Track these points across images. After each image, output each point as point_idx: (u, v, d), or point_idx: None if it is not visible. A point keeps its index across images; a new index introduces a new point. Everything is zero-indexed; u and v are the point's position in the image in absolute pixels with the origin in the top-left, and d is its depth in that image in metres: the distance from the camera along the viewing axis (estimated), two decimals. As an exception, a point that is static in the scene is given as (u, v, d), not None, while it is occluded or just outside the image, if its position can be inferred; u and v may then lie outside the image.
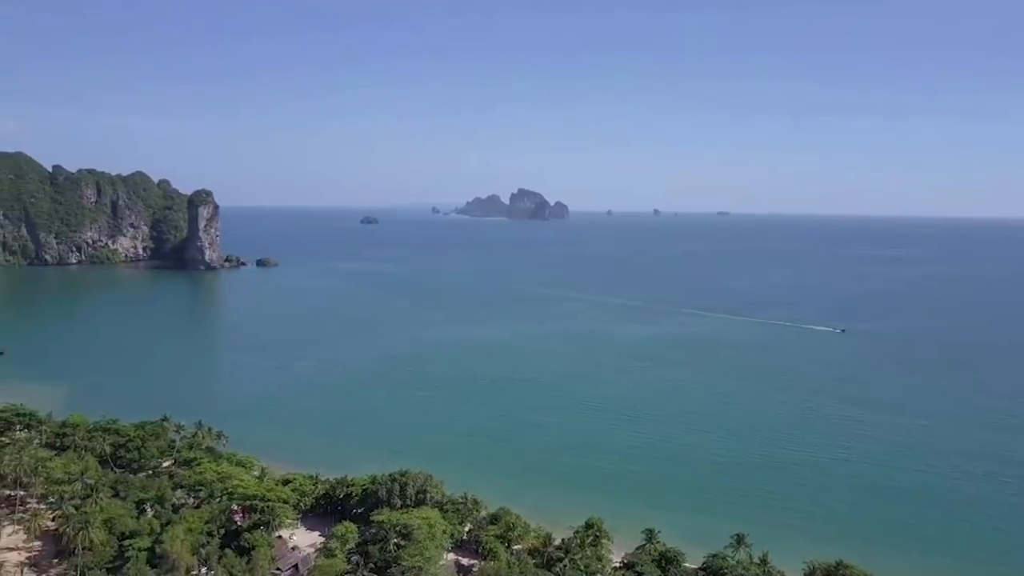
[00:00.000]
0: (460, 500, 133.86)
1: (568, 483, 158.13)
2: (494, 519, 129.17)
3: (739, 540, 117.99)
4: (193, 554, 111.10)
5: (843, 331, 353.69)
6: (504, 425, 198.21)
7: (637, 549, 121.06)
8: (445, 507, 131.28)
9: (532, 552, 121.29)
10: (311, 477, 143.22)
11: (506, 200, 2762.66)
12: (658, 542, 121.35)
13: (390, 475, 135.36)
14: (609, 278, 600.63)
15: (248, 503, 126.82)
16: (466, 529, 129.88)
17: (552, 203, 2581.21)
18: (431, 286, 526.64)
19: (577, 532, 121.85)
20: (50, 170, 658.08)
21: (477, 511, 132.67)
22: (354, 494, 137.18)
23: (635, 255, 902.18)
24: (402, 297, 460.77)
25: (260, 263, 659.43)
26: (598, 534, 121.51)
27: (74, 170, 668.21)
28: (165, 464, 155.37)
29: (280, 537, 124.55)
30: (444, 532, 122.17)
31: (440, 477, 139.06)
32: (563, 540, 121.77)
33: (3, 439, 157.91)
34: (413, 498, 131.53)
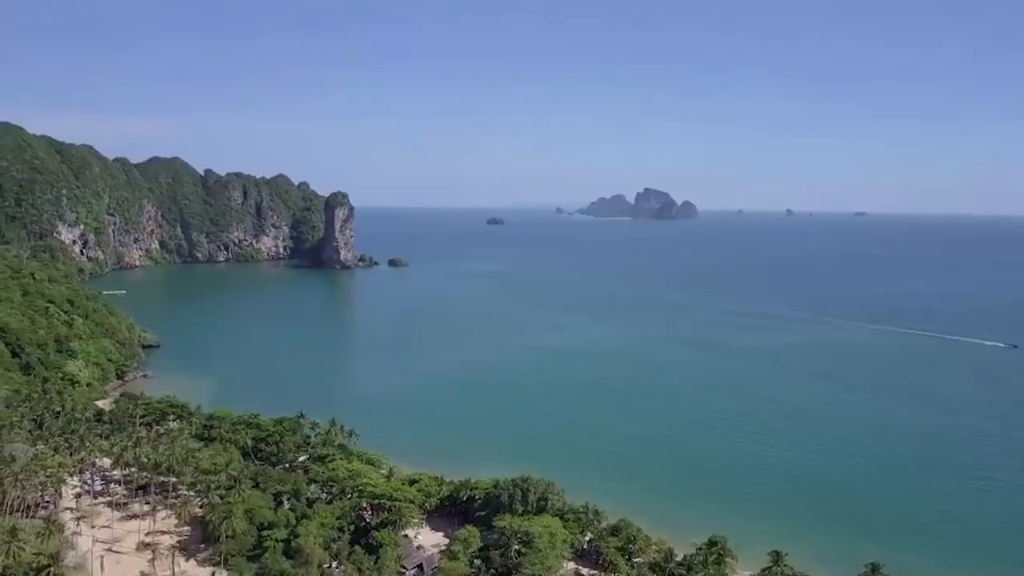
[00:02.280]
0: (581, 509, 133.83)
1: (691, 497, 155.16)
2: (615, 530, 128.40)
3: (873, 569, 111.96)
4: (325, 549, 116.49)
5: (1015, 347, 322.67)
6: (626, 434, 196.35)
7: (763, 571, 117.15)
8: (566, 515, 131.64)
9: (653, 567, 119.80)
10: (436, 478, 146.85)
11: (631, 200, 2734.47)
12: (785, 565, 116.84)
13: (512, 480, 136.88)
14: (739, 282, 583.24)
15: (377, 501, 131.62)
16: (587, 539, 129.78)
17: (679, 202, 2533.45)
18: (556, 288, 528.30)
19: (700, 549, 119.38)
20: (202, 174, 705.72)
21: (598, 521, 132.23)
22: (477, 497, 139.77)
23: (767, 257, 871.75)
24: (527, 299, 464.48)
25: (392, 263, 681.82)
26: (721, 552, 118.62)
27: (223, 174, 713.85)
28: (300, 459, 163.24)
29: (406, 536, 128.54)
30: (564, 541, 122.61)
31: (561, 484, 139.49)
32: (685, 556, 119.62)
33: (159, 429, 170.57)
34: (534, 505, 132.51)
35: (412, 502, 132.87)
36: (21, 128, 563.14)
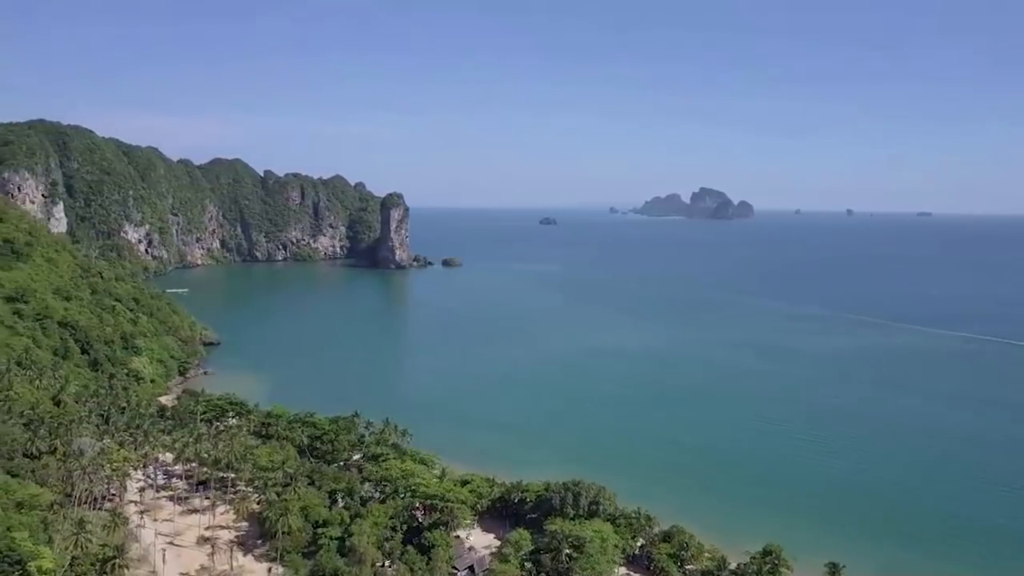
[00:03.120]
0: (633, 514, 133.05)
1: (745, 505, 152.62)
2: (667, 536, 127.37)
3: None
4: (378, 548, 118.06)
5: None
6: (678, 439, 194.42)
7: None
8: (617, 520, 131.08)
9: (705, 574, 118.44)
10: (488, 480, 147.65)
11: (687, 199, 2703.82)
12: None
13: (563, 484, 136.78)
14: (795, 284, 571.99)
15: (429, 502, 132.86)
16: (638, 544, 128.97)
17: (736, 202, 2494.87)
18: (609, 289, 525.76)
19: (754, 558, 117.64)
20: (261, 174, 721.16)
21: (650, 527, 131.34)
22: (528, 499, 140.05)
23: (826, 259, 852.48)
24: (579, 300, 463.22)
25: (445, 263, 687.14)
26: (776, 562, 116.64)
27: (282, 174, 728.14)
28: (355, 458, 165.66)
29: (458, 537, 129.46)
30: (616, 546, 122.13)
31: (612, 489, 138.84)
32: (739, 565, 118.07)
33: (218, 425, 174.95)
34: (586, 509, 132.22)
35: (464, 503, 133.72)
36: (91, 131, 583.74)
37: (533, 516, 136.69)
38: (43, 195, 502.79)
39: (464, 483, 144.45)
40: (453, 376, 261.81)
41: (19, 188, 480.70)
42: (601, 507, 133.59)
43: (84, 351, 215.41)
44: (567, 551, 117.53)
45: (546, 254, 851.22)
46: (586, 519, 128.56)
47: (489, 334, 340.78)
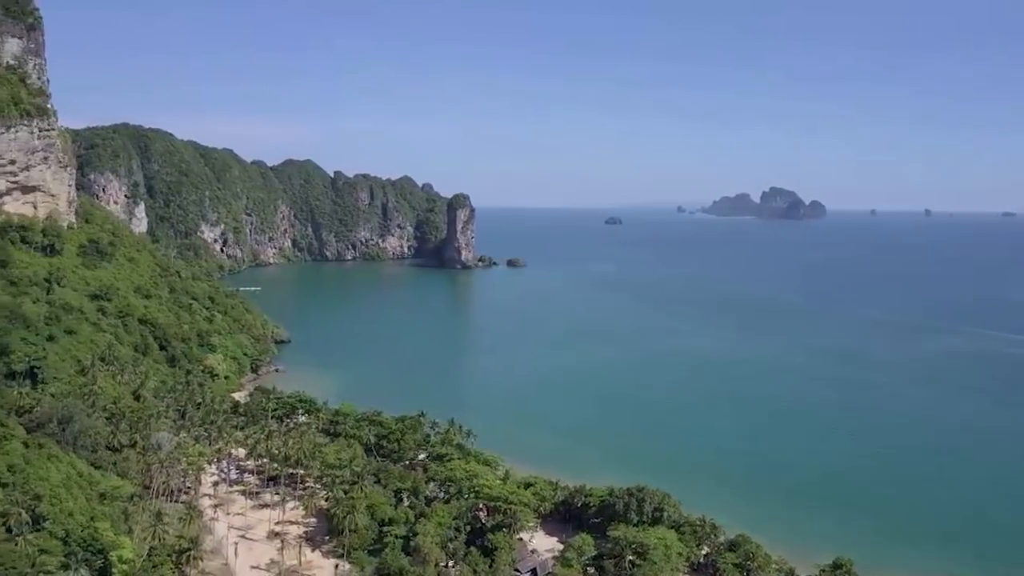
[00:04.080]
0: (698, 522, 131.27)
1: (816, 515, 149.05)
2: (733, 546, 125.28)
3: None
4: (441, 548, 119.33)
5: None
6: (746, 446, 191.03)
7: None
8: (682, 528, 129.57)
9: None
10: (551, 483, 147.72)
11: (756, 199, 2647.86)
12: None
13: (627, 489, 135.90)
14: (869, 287, 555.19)
15: (493, 503, 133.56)
16: (703, 553, 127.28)
17: (807, 202, 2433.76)
18: (674, 290, 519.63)
19: (823, 571, 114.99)
20: (332, 175, 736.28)
21: (715, 535, 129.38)
22: (591, 504, 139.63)
23: (901, 260, 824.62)
24: (644, 301, 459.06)
25: (510, 263, 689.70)
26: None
27: (351, 175, 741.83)
28: (420, 457, 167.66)
29: (521, 540, 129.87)
30: (680, 554, 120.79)
31: (677, 496, 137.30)
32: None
33: (288, 422, 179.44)
34: (650, 515, 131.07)
35: (527, 506, 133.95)
36: (171, 134, 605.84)
37: (596, 521, 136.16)
38: (126, 196, 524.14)
39: (527, 485, 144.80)
40: (517, 377, 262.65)
41: (104, 189, 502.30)
42: (665, 514, 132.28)
43: (162, 348, 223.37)
44: (630, 557, 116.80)
45: (611, 254, 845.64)
46: (650, 526, 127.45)
47: (553, 335, 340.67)
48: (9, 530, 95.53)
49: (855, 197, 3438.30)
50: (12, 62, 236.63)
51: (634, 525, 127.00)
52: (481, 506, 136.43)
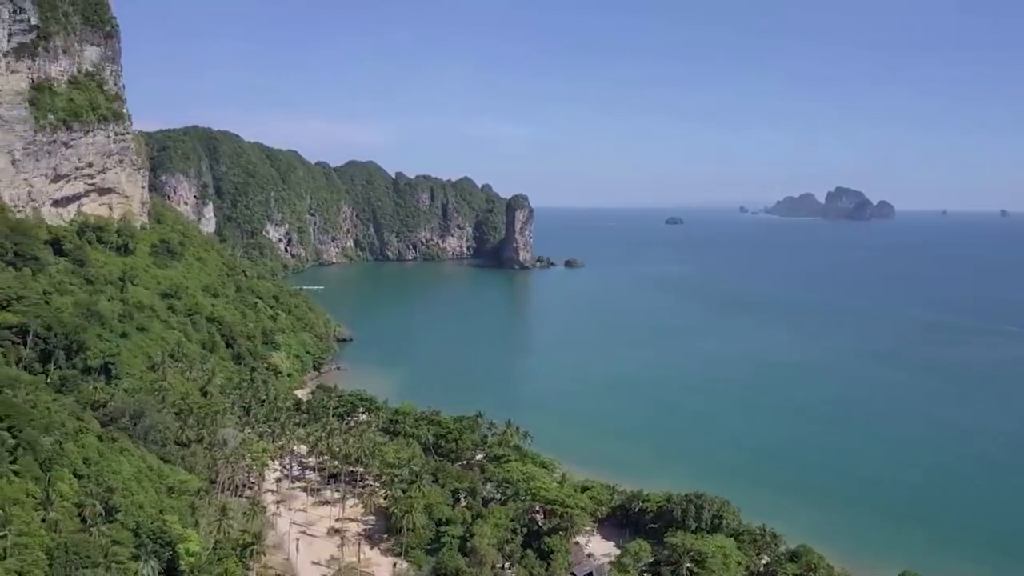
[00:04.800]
0: (758, 531, 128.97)
1: (880, 525, 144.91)
2: (794, 556, 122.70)
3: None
4: (498, 550, 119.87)
5: None
6: (807, 452, 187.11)
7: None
8: (741, 536, 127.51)
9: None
10: (608, 487, 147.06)
11: (821, 199, 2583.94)
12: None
13: (686, 496, 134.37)
14: (939, 290, 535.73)
15: (549, 506, 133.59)
16: (763, 562, 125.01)
17: (875, 202, 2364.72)
18: (737, 292, 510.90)
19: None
20: (393, 176, 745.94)
21: (776, 545, 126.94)
22: (649, 509, 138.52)
23: (972, 262, 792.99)
24: (705, 303, 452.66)
25: (568, 264, 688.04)
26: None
27: (412, 176, 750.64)
28: (477, 457, 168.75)
29: (577, 543, 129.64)
30: (739, 563, 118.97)
31: (736, 503, 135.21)
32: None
33: (349, 421, 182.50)
34: (708, 522, 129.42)
35: (584, 509, 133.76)
36: (238, 136, 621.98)
37: (653, 526, 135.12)
38: (195, 196, 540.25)
39: (584, 489, 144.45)
40: (574, 378, 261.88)
41: (175, 190, 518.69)
42: (724, 521, 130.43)
43: (229, 345, 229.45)
44: (688, 565, 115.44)
45: (671, 255, 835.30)
46: (708, 533, 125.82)
47: (610, 337, 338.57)
48: (84, 520, 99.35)
49: (925, 197, 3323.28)
50: (91, 69, 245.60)
51: (692, 532, 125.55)
52: (538, 508, 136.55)
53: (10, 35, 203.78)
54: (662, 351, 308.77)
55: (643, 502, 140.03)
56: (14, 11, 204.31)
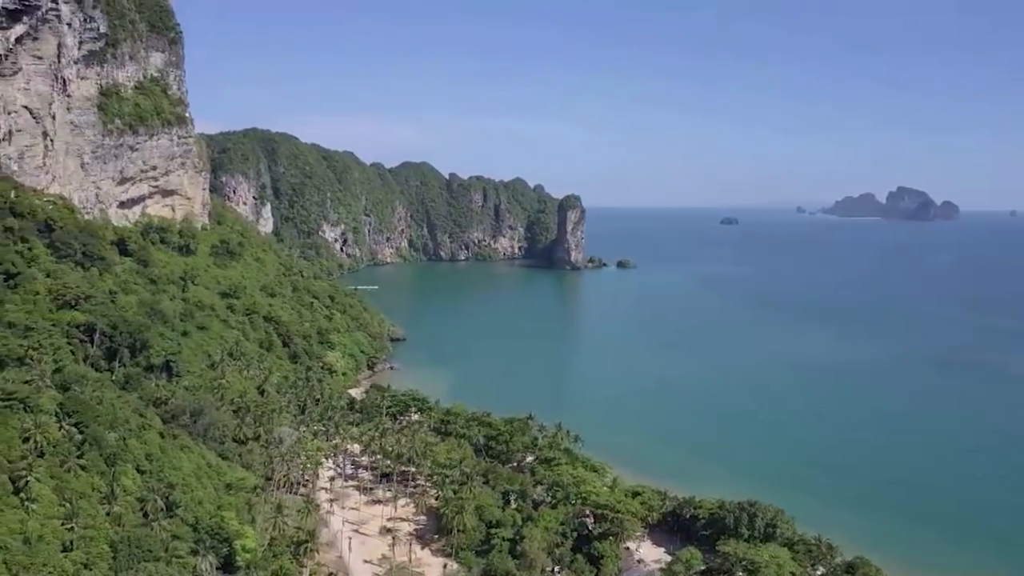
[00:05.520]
0: (813, 541, 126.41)
1: (944, 538, 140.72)
2: (850, 568, 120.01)
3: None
4: (548, 554, 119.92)
5: None
6: (865, 461, 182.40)
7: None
8: (795, 546, 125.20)
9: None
10: (659, 493, 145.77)
11: (882, 199, 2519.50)
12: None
13: (739, 503, 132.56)
14: (1009, 293, 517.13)
15: (599, 511, 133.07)
16: (817, 573, 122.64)
17: (939, 202, 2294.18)
18: (794, 294, 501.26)
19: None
20: (447, 177, 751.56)
21: (831, 556, 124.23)
22: (701, 516, 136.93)
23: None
24: (762, 305, 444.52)
25: (620, 264, 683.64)
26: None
27: (466, 177, 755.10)
28: (528, 460, 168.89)
29: (627, 549, 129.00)
30: (792, 573, 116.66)
31: (791, 512, 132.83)
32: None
33: (402, 420, 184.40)
34: (762, 531, 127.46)
35: (634, 515, 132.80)
36: (296, 138, 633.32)
37: (705, 534, 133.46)
38: (254, 197, 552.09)
39: (635, 494, 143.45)
40: (625, 381, 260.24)
41: (234, 191, 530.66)
42: (778, 531, 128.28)
43: (285, 344, 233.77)
44: (740, 574, 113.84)
45: (726, 256, 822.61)
46: (761, 542, 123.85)
47: (663, 339, 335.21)
48: (146, 515, 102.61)
49: (992, 197, 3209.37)
50: (156, 74, 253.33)
51: (745, 541, 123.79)
52: (588, 513, 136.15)
53: (80, 43, 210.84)
54: (715, 354, 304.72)
55: (695, 508, 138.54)
56: (85, 20, 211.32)
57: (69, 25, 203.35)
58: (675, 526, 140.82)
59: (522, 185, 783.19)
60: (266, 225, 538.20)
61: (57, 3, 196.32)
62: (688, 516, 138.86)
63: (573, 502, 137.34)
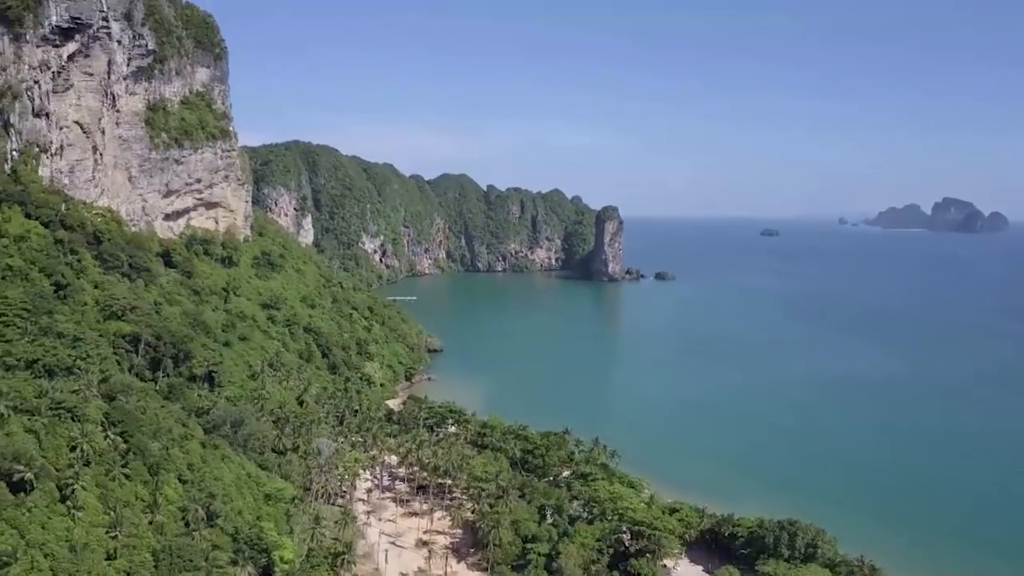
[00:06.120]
0: (855, 562, 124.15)
1: (993, 563, 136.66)
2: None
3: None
4: (584, 570, 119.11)
5: None
6: (912, 480, 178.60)
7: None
8: (837, 567, 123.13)
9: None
10: (698, 510, 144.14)
11: (927, 210, 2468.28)
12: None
13: (778, 522, 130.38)
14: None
15: (636, 528, 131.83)
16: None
17: (986, 213, 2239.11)
18: (838, 307, 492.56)
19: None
20: (484, 189, 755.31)
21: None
22: (739, 534, 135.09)
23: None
24: (805, 319, 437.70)
25: (658, 276, 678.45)
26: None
27: (503, 189, 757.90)
28: (564, 474, 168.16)
29: (664, 567, 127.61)
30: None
31: (832, 532, 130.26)
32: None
33: (439, 432, 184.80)
34: (802, 551, 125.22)
35: (672, 532, 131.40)
36: (336, 150, 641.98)
37: (744, 552, 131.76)
38: (295, 208, 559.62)
39: (672, 511, 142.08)
40: (663, 395, 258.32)
41: (276, 202, 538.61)
42: (819, 551, 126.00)
43: (324, 355, 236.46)
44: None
45: (767, 268, 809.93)
46: (802, 563, 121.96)
47: (702, 353, 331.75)
48: (187, 524, 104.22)
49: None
50: (201, 89, 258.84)
51: (785, 561, 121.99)
52: (625, 529, 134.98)
53: (129, 59, 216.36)
54: (755, 368, 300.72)
55: (733, 527, 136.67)
56: (134, 37, 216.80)
57: (119, 42, 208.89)
58: (713, 544, 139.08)
59: (559, 196, 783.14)
60: (307, 236, 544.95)
61: (108, 21, 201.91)
62: (727, 534, 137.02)
63: (610, 518, 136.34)
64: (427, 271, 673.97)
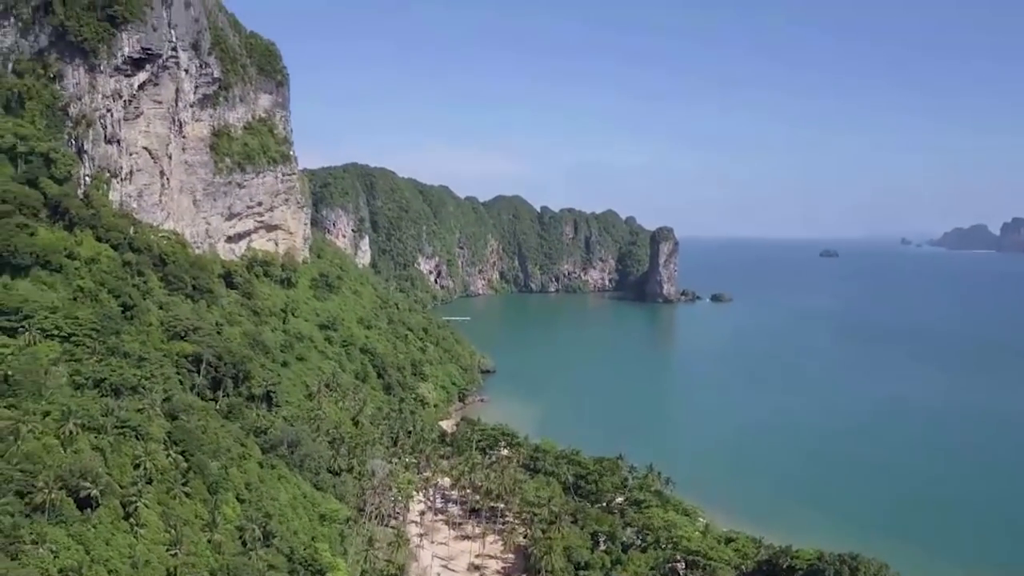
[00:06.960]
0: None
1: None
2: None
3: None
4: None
5: None
6: (982, 514, 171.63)
7: None
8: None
9: None
10: (754, 540, 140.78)
11: (995, 230, 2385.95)
12: None
13: (839, 555, 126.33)
14: None
15: (691, 557, 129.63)
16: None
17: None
18: (904, 330, 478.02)
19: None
20: (538, 210, 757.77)
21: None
22: (798, 567, 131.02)
23: None
24: (866, 344, 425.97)
25: (714, 298, 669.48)
26: None
27: (557, 210, 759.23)
28: (617, 500, 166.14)
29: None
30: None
31: (897, 567, 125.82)
32: None
33: (491, 455, 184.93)
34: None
35: (727, 563, 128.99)
36: (393, 173, 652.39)
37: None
38: (353, 230, 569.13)
39: (728, 540, 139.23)
40: (719, 421, 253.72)
41: (334, 224, 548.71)
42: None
43: (380, 376, 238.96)
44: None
45: (827, 289, 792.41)
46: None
47: (760, 378, 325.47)
48: (244, 543, 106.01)
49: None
50: (263, 115, 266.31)
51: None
52: (679, 558, 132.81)
53: (196, 87, 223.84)
54: (817, 393, 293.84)
55: (792, 559, 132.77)
56: (200, 66, 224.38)
57: (186, 71, 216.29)
58: (769, 575, 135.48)
59: (613, 217, 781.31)
60: (364, 257, 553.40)
61: (176, 51, 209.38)
62: (784, 566, 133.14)
63: (664, 547, 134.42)
64: (481, 292, 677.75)
